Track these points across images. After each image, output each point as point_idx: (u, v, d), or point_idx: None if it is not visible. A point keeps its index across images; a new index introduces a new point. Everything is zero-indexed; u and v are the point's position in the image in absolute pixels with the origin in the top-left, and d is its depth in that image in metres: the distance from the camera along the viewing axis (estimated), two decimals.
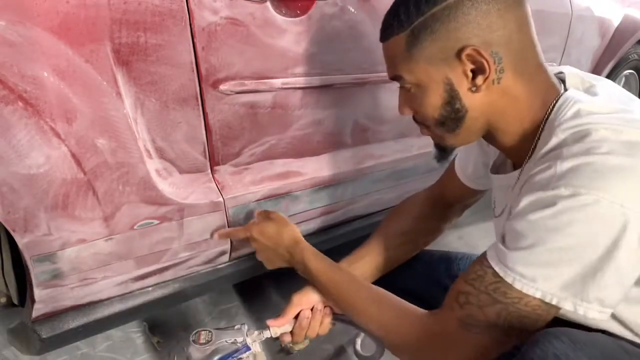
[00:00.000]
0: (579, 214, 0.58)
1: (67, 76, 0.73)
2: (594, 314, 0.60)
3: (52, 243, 0.80)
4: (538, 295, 0.61)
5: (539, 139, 0.69)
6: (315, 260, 0.89)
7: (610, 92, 0.71)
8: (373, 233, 1.02)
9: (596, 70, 1.95)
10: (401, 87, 0.76)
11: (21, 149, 0.71)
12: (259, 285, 1.53)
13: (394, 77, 0.76)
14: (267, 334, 0.93)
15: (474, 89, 0.69)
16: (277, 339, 0.95)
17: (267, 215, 0.97)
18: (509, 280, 0.63)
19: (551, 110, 0.68)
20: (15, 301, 0.92)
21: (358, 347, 1.14)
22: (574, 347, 0.56)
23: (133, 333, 1.31)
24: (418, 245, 1.02)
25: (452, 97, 0.71)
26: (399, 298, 0.80)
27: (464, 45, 0.67)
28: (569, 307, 0.60)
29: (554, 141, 0.64)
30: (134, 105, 0.82)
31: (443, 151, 0.80)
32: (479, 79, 0.68)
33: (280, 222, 0.95)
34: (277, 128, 1.03)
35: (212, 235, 1.00)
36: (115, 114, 0.79)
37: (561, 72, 0.74)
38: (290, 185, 1.09)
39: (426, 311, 0.75)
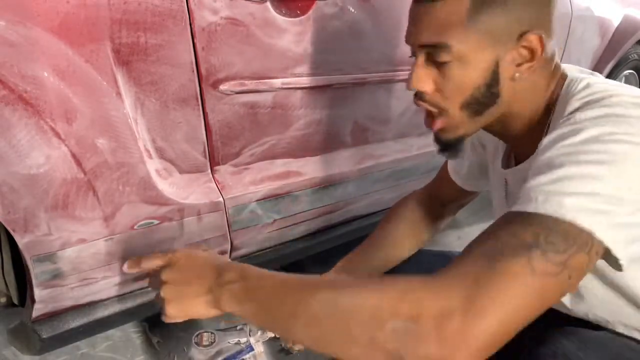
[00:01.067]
0: (611, 144, 0.53)
1: (67, 76, 0.73)
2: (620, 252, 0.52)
3: (52, 243, 0.80)
4: (568, 218, 0.51)
5: (554, 113, 0.66)
6: (257, 269, 0.63)
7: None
8: (371, 233, 1.01)
9: (596, 70, 1.94)
10: (429, 60, 0.67)
11: (21, 149, 0.71)
12: None
13: (433, 45, 0.65)
14: (270, 333, 0.91)
15: (517, 75, 0.65)
16: (278, 338, 0.92)
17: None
18: (541, 210, 0.52)
19: (560, 90, 0.66)
20: (16, 301, 0.92)
21: None
22: (583, 347, 0.56)
23: (133, 333, 1.31)
24: (415, 245, 1.01)
25: (493, 80, 0.65)
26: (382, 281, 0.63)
27: (530, 29, 0.62)
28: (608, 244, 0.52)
29: (568, 109, 0.61)
30: (134, 105, 0.82)
31: (448, 145, 0.72)
32: (524, 68, 0.64)
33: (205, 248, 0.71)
34: (277, 128, 1.03)
35: (123, 266, 0.73)
36: (116, 114, 0.79)
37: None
38: (290, 185, 1.09)
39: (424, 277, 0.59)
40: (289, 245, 1.17)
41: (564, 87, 0.66)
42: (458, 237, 1.79)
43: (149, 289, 0.97)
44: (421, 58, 0.67)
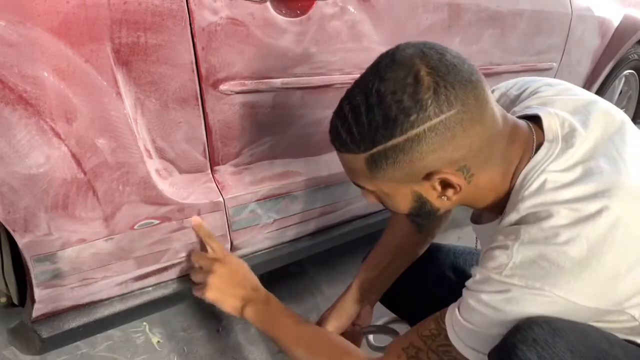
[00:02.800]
0: (531, 306, 0.59)
1: (67, 76, 0.73)
2: None
3: (52, 243, 0.80)
4: None
5: (507, 206, 0.68)
6: (278, 301, 0.91)
7: (592, 135, 0.66)
8: (379, 243, 1.03)
9: (596, 70, 1.95)
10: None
11: (21, 149, 0.71)
12: None
13: (355, 184, 0.72)
14: None
15: (444, 198, 0.67)
16: None
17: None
18: (458, 347, 0.66)
19: (517, 176, 0.66)
20: (16, 301, 0.92)
21: (372, 340, 1.15)
22: (553, 334, 0.57)
23: (133, 333, 1.31)
24: (424, 247, 1.03)
25: (422, 204, 0.68)
26: (349, 343, 0.85)
27: (431, 171, 0.63)
28: None
29: (514, 216, 0.63)
30: (134, 105, 0.82)
31: (421, 226, 0.83)
32: (450, 192, 0.65)
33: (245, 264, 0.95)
34: (277, 128, 1.03)
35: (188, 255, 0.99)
36: (116, 114, 0.79)
37: (537, 115, 0.69)
38: (290, 185, 1.09)
39: (367, 356, 0.79)
40: (289, 245, 1.17)
41: (522, 176, 0.65)
42: (458, 237, 1.79)
43: (149, 288, 0.98)
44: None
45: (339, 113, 0.65)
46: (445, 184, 0.65)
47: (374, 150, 0.62)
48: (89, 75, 0.75)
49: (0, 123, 0.69)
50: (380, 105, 0.60)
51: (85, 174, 0.79)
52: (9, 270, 0.88)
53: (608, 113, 0.70)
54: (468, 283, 0.67)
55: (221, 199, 0.98)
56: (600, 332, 0.63)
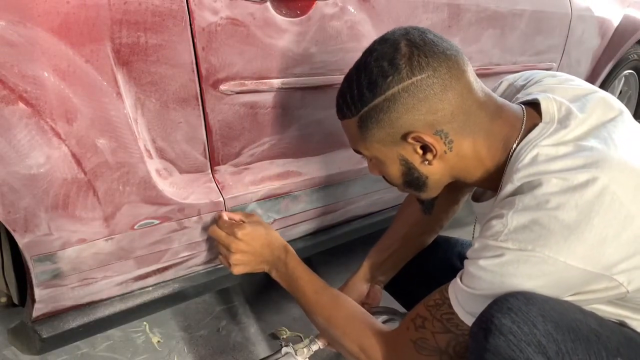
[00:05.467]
0: (524, 267, 0.63)
1: (67, 76, 0.73)
2: None
3: (53, 243, 0.80)
4: None
5: (503, 180, 0.72)
6: (297, 263, 0.93)
7: (588, 119, 0.70)
8: (389, 229, 1.08)
9: (596, 70, 1.95)
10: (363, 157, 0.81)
11: (21, 149, 0.71)
12: (259, 285, 1.54)
13: (355, 151, 0.80)
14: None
15: (426, 162, 0.74)
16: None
17: (251, 218, 0.97)
18: (460, 314, 0.70)
19: (512, 151, 0.71)
20: (16, 301, 0.92)
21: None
22: (526, 302, 0.62)
23: (133, 333, 1.31)
24: (433, 236, 1.08)
25: (409, 169, 0.76)
26: (367, 313, 0.86)
27: (408, 131, 0.71)
28: None
29: (509, 188, 0.68)
30: (134, 105, 0.82)
31: (424, 204, 0.86)
32: (429, 155, 0.72)
33: (267, 226, 0.96)
34: (277, 128, 1.03)
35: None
36: (116, 114, 0.79)
37: (536, 99, 0.74)
38: (290, 185, 1.09)
39: (387, 329, 0.82)
40: (289, 245, 1.17)
41: (516, 151, 0.70)
42: (459, 236, 1.79)
43: (149, 288, 0.98)
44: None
45: (340, 88, 0.77)
46: (425, 148, 0.72)
47: (362, 111, 0.72)
48: (89, 75, 0.75)
49: (0, 123, 0.69)
50: (366, 72, 0.71)
51: (85, 174, 0.79)
52: (9, 270, 0.88)
53: (607, 102, 0.74)
54: (468, 253, 0.71)
55: (221, 199, 0.98)
56: (574, 305, 0.67)
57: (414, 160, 0.74)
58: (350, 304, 0.88)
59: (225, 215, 0.96)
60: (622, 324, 0.72)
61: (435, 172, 0.75)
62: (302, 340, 1.05)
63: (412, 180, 0.77)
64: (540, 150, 0.67)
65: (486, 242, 0.67)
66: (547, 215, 0.62)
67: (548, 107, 0.72)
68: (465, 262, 0.71)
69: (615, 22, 1.93)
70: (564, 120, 0.70)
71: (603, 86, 2.05)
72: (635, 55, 2.15)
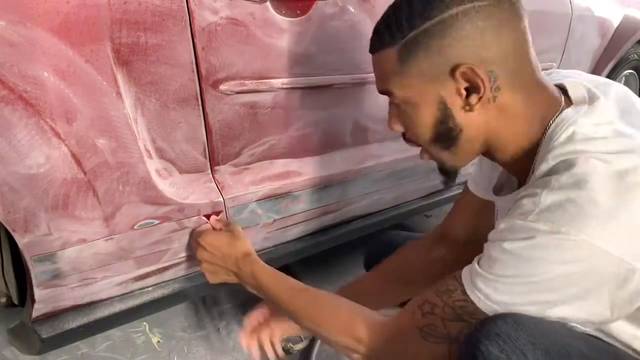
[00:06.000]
0: (555, 252, 0.57)
1: (67, 76, 0.73)
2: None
3: (52, 243, 0.80)
4: None
5: (536, 160, 0.67)
6: (265, 273, 0.86)
7: (615, 104, 0.67)
8: (372, 272, 1.00)
9: (596, 70, 1.95)
10: (391, 103, 0.73)
11: (21, 149, 0.71)
12: None
13: (384, 92, 0.72)
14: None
15: (467, 107, 0.67)
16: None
17: (224, 225, 0.96)
18: (475, 300, 0.63)
19: (547, 129, 0.66)
20: (16, 301, 0.92)
21: None
22: (516, 328, 0.58)
23: (133, 333, 1.31)
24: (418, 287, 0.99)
25: (445, 116, 0.68)
26: (355, 304, 0.78)
27: (458, 62, 0.64)
28: None
29: (544, 167, 0.63)
30: (134, 105, 0.82)
31: (447, 174, 0.77)
32: (473, 98, 0.66)
33: (234, 234, 0.92)
34: (277, 128, 1.03)
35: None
36: (116, 114, 0.79)
37: (562, 85, 0.71)
38: (290, 185, 1.09)
39: (384, 316, 0.74)
40: (289, 245, 1.17)
41: (551, 129, 0.65)
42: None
43: (149, 288, 0.98)
44: (389, 103, 0.74)
45: (382, 15, 0.71)
46: (468, 91, 0.66)
47: (409, 36, 0.65)
48: (89, 75, 0.75)
49: (0, 123, 0.69)
50: None
51: (85, 174, 0.79)
52: (9, 270, 0.88)
53: (625, 91, 0.71)
54: (490, 235, 0.65)
55: (221, 199, 0.98)
56: (565, 327, 0.62)
57: (454, 104, 0.67)
58: (331, 298, 0.80)
59: (213, 220, 0.96)
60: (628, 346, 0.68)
61: (473, 123, 0.68)
62: (302, 340, 1.05)
63: (445, 133, 0.69)
64: (577, 129, 0.63)
65: (514, 221, 0.61)
66: (585, 195, 0.56)
67: (576, 90, 0.69)
68: (486, 245, 0.65)
69: (616, 22, 1.93)
70: (593, 102, 0.66)
71: None
72: (635, 55, 2.15)
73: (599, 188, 0.57)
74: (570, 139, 0.62)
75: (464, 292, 0.64)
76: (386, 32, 0.68)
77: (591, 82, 0.71)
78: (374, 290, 0.97)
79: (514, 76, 0.66)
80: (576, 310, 0.59)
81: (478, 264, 0.64)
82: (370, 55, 0.74)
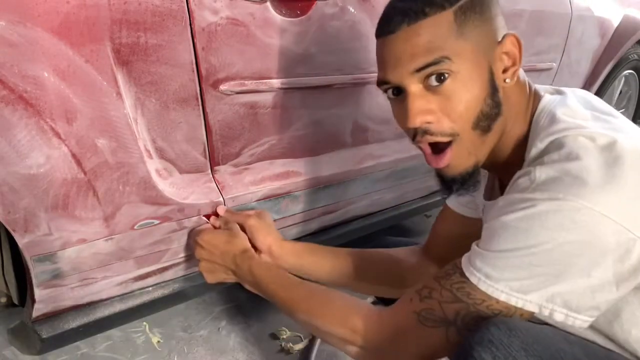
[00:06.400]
0: (554, 218, 0.56)
1: (67, 76, 0.73)
2: (560, 317, 0.59)
3: (53, 243, 0.80)
4: (502, 297, 0.60)
5: (519, 149, 0.69)
6: (262, 268, 0.86)
7: (581, 99, 0.71)
8: (356, 251, 0.99)
9: (596, 70, 1.95)
10: (424, 87, 0.65)
11: (21, 149, 0.71)
12: None
13: (430, 64, 0.63)
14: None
15: (507, 80, 0.67)
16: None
17: (223, 224, 0.96)
18: (474, 280, 0.61)
19: (531, 119, 0.69)
20: (16, 301, 0.92)
21: None
22: (509, 334, 0.57)
23: (133, 333, 1.31)
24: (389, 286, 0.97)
25: (494, 88, 0.66)
26: (351, 296, 0.77)
27: (506, 32, 0.68)
28: (534, 309, 0.60)
29: (534, 152, 0.64)
30: (134, 105, 0.82)
31: (446, 182, 0.72)
32: (510, 72, 0.68)
33: (232, 232, 0.92)
34: (277, 128, 1.03)
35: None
36: (116, 114, 0.79)
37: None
38: (290, 185, 1.09)
39: (374, 307, 0.74)
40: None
41: (535, 117, 0.69)
42: None
43: (149, 288, 0.98)
44: (415, 87, 0.65)
45: None
46: (509, 60, 0.68)
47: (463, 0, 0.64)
48: (89, 75, 0.75)
49: (0, 123, 0.69)
50: None
51: (85, 174, 0.79)
52: (9, 270, 0.88)
53: (584, 92, 0.75)
54: (489, 215, 0.65)
55: (221, 199, 0.98)
56: (560, 333, 0.61)
57: (498, 77, 0.67)
58: (327, 291, 0.79)
59: (212, 219, 0.96)
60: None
61: (505, 102, 0.68)
62: (302, 340, 1.05)
63: (491, 109, 0.66)
64: (558, 111, 0.65)
65: (511, 196, 0.61)
66: (580, 165, 0.57)
67: (544, 88, 0.73)
68: (484, 225, 0.64)
69: (615, 22, 1.93)
70: (563, 94, 0.71)
71: (603, 86, 2.05)
72: (635, 55, 2.15)
73: (591, 160, 0.58)
74: (554, 120, 0.64)
75: (462, 274, 0.63)
76: None
77: (556, 88, 0.75)
78: (346, 266, 0.96)
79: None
80: (581, 293, 0.58)
81: (477, 245, 0.64)
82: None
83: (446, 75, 0.64)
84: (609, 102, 2.28)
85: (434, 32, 0.63)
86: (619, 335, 0.65)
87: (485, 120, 0.66)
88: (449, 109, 0.65)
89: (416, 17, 0.64)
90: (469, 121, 0.66)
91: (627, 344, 0.65)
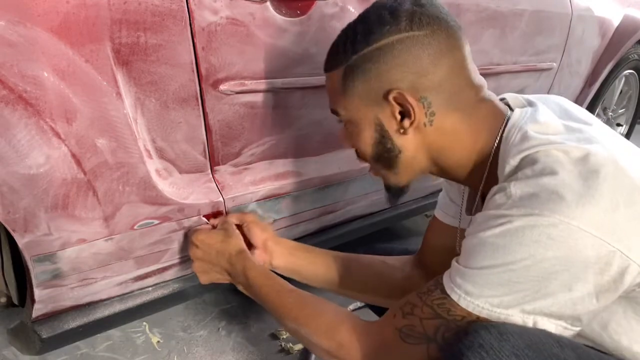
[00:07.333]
0: (531, 234, 0.57)
1: (67, 76, 0.73)
2: (546, 324, 0.60)
3: (52, 243, 0.80)
4: (484, 314, 0.60)
5: (490, 166, 0.69)
6: (256, 270, 0.85)
7: (555, 107, 0.71)
8: (351, 255, 0.99)
9: (596, 70, 1.95)
10: (339, 121, 0.78)
11: (21, 149, 0.71)
12: None
13: (332, 111, 0.77)
14: None
15: (402, 130, 0.70)
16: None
17: (220, 223, 0.95)
18: (454, 297, 0.62)
19: (500, 138, 0.68)
20: (16, 301, 0.92)
21: None
22: (499, 338, 0.57)
23: (133, 333, 1.31)
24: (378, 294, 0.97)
25: (382, 137, 0.72)
26: (342, 308, 0.78)
27: (391, 87, 0.68)
28: (518, 321, 0.60)
29: (507, 169, 0.64)
30: (134, 105, 0.82)
31: (391, 192, 0.79)
32: (406, 122, 0.70)
33: (228, 232, 0.91)
34: (277, 128, 1.03)
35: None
36: (115, 114, 0.79)
37: (504, 98, 0.75)
38: (290, 185, 1.09)
39: (363, 321, 0.74)
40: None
41: (504, 137, 0.68)
42: None
43: (149, 289, 0.98)
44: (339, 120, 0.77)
45: (335, 39, 0.75)
46: (403, 115, 0.70)
47: (352, 59, 0.70)
48: (89, 75, 0.75)
49: (0, 123, 0.69)
50: (364, 21, 0.70)
51: (85, 174, 0.79)
52: (9, 270, 0.88)
53: (559, 99, 0.76)
54: (467, 232, 0.65)
55: (221, 199, 0.98)
56: (552, 337, 0.60)
57: (390, 126, 0.71)
58: (318, 301, 0.79)
59: (207, 219, 0.96)
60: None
61: (410, 146, 0.71)
62: None
63: (384, 152, 0.73)
64: (528, 128, 0.65)
65: (488, 213, 0.61)
66: (555, 180, 0.57)
67: (516, 100, 0.73)
68: (463, 242, 0.65)
69: (616, 22, 1.93)
70: (534, 106, 0.70)
71: (603, 86, 2.05)
72: (635, 55, 2.15)
73: (565, 174, 0.58)
74: (525, 137, 0.64)
75: (443, 291, 0.64)
76: (334, 55, 0.74)
77: (529, 96, 0.75)
78: (340, 270, 0.96)
79: (452, 100, 0.69)
80: (562, 305, 0.58)
81: (457, 260, 0.65)
82: None
83: (341, 120, 0.77)
84: (609, 102, 2.28)
85: (330, 85, 0.76)
86: (609, 345, 0.66)
87: (384, 159, 0.74)
88: (352, 144, 0.78)
89: (326, 68, 0.77)
90: (369, 157, 0.76)
91: (618, 351, 0.66)
